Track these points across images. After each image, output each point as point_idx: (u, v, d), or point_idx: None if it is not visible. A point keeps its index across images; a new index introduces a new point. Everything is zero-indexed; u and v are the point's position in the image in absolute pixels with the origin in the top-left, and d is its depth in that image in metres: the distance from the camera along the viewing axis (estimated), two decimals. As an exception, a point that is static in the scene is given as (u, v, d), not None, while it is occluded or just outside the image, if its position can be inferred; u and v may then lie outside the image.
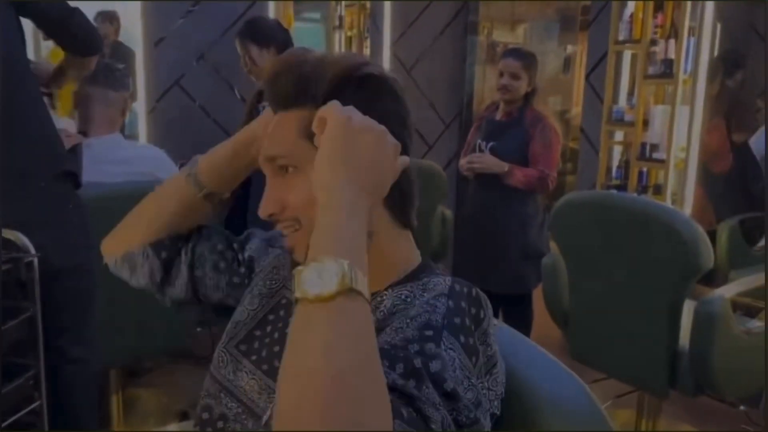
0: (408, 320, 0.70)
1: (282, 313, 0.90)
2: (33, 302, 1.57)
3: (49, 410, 1.73)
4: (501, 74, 2.57)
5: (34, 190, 1.62)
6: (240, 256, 1.01)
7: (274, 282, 0.94)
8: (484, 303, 0.75)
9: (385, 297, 0.78)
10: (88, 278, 1.79)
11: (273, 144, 0.80)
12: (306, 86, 0.78)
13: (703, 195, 3.26)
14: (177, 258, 0.99)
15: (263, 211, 0.80)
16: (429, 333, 0.68)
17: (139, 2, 3.09)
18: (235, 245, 1.02)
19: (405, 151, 0.76)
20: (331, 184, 0.66)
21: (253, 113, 2.71)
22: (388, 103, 0.79)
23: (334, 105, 0.70)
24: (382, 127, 0.70)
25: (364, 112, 0.71)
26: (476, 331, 0.72)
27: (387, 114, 0.76)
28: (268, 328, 0.89)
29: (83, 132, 2.09)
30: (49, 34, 1.78)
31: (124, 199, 1.88)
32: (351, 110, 0.70)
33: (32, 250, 1.55)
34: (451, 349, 0.67)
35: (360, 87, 0.77)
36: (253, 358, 0.88)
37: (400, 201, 0.80)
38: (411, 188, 0.81)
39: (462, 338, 0.69)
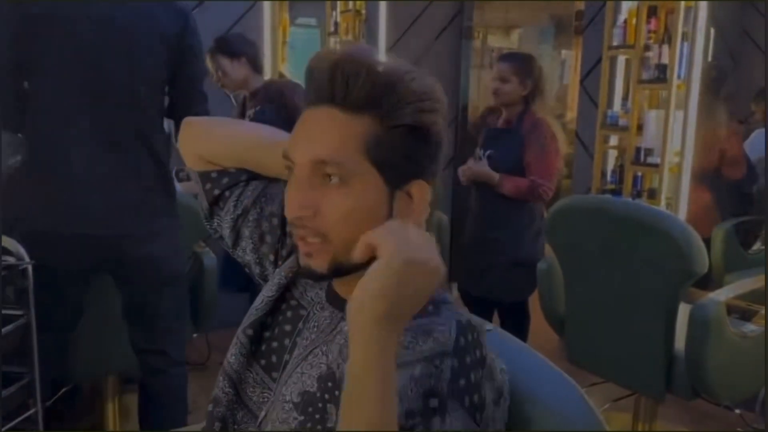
0: (412, 383, 0.68)
1: (289, 314, 0.89)
2: (27, 309, 1.56)
3: (149, 412, 1.96)
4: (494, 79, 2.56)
5: (159, 203, 1.77)
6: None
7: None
8: (485, 337, 0.74)
9: None
10: (185, 283, 1.96)
11: (326, 146, 0.74)
12: (381, 96, 0.73)
13: (710, 199, 3.25)
14: (226, 202, 0.96)
15: (293, 211, 0.74)
16: (434, 404, 0.67)
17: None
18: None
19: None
20: (370, 347, 0.62)
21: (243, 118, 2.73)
22: (440, 130, 0.77)
23: (389, 233, 0.65)
24: (437, 260, 0.66)
25: (420, 140, 0.74)
26: (482, 371, 0.71)
27: (438, 144, 0.77)
28: (274, 327, 0.89)
29: None
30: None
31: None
32: (406, 239, 0.64)
33: (26, 258, 1.55)
34: (456, 419, 0.67)
35: (425, 111, 0.75)
36: (253, 348, 0.88)
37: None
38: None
39: (467, 400, 0.69)
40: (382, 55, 0.76)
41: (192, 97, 1.80)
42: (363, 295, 0.62)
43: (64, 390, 2.11)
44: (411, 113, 0.74)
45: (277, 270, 0.93)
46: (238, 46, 2.62)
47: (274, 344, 0.87)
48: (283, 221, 0.92)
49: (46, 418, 1.65)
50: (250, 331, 0.88)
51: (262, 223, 0.94)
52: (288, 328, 0.87)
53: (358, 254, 0.66)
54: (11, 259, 1.54)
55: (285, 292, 0.90)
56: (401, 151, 0.75)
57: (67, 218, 1.64)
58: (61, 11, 1.60)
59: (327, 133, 0.74)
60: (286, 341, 0.86)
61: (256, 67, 2.65)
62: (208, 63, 2.57)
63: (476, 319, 0.76)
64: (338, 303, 0.82)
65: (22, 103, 1.62)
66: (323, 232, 0.74)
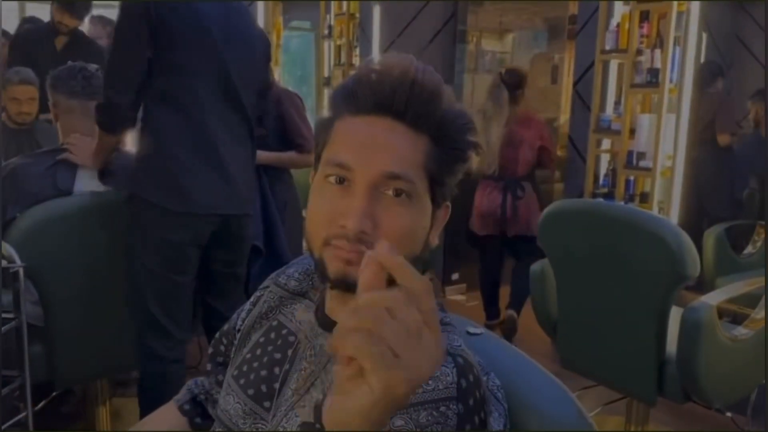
0: (418, 431, 0.67)
1: (272, 335, 0.87)
2: (19, 312, 1.56)
3: None
4: None
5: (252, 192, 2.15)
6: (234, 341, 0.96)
7: (272, 302, 0.91)
8: (484, 373, 0.74)
9: None
10: None
11: (399, 161, 0.71)
12: (440, 116, 0.74)
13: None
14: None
15: (360, 224, 0.69)
16: None
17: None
18: (224, 344, 0.99)
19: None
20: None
21: None
22: (471, 156, 0.79)
23: (381, 359, 0.47)
24: (431, 364, 0.49)
25: (463, 161, 0.76)
26: (485, 408, 0.72)
27: (465, 166, 0.78)
28: (258, 351, 0.86)
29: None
30: None
31: (118, 205, 1.89)
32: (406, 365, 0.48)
33: (18, 261, 1.55)
34: None
35: (473, 134, 0.77)
36: (241, 381, 0.85)
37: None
38: None
39: None
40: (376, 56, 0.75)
41: (266, 105, 2.20)
42: (342, 418, 0.51)
43: (55, 394, 2.09)
44: (463, 137, 0.76)
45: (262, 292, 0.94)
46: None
47: (263, 372, 0.84)
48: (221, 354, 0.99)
49: (37, 421, 1.65)
50: (234, 370, 0.88)
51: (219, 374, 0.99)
52: (278, 356, 0.84)
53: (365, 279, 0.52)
54: (3, 262, 1.54)
55: (268, 321, 0.89)
56: (449, 172, 0.76)
57: (214, 198, 1.89)
58: (202, 25, 1.83)
59: (399, 147, 0.72)
60: (276, 369, 0.83)
61: None
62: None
63: (469, 353, 0.74)
64: (332, 329, 0.80)
65: (157, 101, 1.83)
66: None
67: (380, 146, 0.71)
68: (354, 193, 0.71)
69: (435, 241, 0.79)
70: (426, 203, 0.75)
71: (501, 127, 3.31)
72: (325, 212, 0.73)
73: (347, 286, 0.71)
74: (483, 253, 3.65)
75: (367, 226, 0.70)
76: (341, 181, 0.72)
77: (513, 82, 3.34)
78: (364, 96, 0.73)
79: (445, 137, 0.74)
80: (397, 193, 0.71)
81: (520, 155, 3.34)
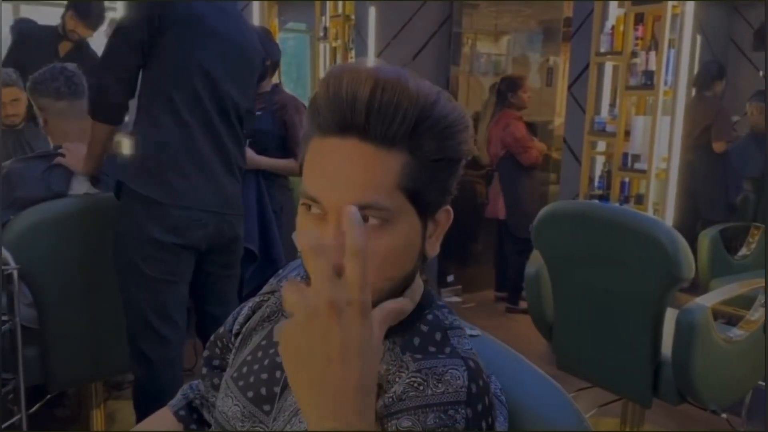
0: None
1: (275, 338, 0.87)
2: (13, 315, 1.55)
3: None
4: None
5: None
6: (230, 344, 0.95)
7: (275, 305, 0.90)
8: (488, 377, 0.73)
9: (395, 359, 0.72)
10: None
11: (367, 190, 0.67)
12: (415, 128, 0.68)
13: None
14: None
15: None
16: None
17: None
18: (220, 347, 0.99)
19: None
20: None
21: None
22: (460, 160, 0.74)
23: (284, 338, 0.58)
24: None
25: (452, 170, 0.72)
26: (492, 414, 0.71)
27: (459, 172, 0.75)
28: (259, 354, 0.86)
29: (59, 146, 2.07)
30: None
31: (113, 207, 1.89)
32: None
33: (12, 263, 1.54)
34: None
35: (460, 142, 0.71)
36: (241, 383, 0.84)
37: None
38: None
39: None
40: (371, 61, 0.74)
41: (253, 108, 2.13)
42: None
43: (49, 396, 2.08)
44: (446, 145, 0.70)
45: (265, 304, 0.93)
46: (262, 46, 2.59)
47: (264, 375, 0.82)
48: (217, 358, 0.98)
49: (32, 424, 1.64)
50: (234, 373, 0.87)
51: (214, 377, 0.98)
52: (279, 359, 0.80)
53: None
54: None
55: (270, 323, 0.88)
56: (436, 184, 0.71)
57: (202, 195, 1.88)
58: (204, 28, 1.85)
59: (366, 172, 0.67)
60: (277, 373, 0.81)
61: (271, 71, 2.62)
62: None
63: (478, 357, 0.74)
64: None
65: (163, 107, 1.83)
66: None
67: (345, 176, 0.67)
68: (328, 224, 0.68)
69: (434, 251, 0.76)
70: (408, 222, 0.71)
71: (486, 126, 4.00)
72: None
73: None
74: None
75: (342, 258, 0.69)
76: (310, 209, 0.71)
77: (502, 88, 3.94)
78: (326, 116, 0.69)
79: (421, 148, 0.69)
80: (367, 220, 0.67)
81: (490, 150, 3.97)
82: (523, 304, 3.99)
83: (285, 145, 2.58)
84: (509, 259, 4.03)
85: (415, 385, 0.68)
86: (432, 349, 0.73)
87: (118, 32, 1.82)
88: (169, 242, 1.84)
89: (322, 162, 0.70)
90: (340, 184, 0.68)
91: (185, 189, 1.84)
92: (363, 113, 0.66)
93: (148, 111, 1.84)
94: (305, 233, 0.70)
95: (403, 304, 0.68)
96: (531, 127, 4.01)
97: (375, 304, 0.62)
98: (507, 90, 3.90)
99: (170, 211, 1.82)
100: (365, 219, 0.66)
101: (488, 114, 4.00)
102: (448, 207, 0.76)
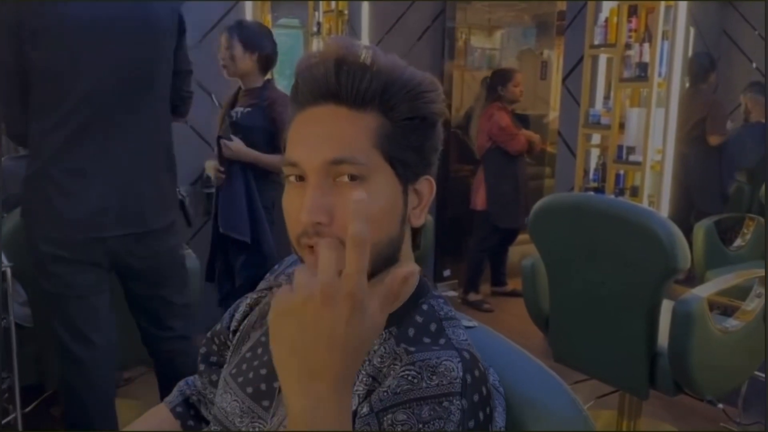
0: (420, 425, 0.65)
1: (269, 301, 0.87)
2: (7, 313, 1.54)
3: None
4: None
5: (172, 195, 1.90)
6: (228, 341, 0.95)
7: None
8: (486, 369, 0.73)
9: (387, 351, 0.73)
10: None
11: (341, 146, 0.70)
12: (385, 90, 0.71)
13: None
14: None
15: (310, 216, 0.69)
16: None
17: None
18: (217, 343, 0.98)
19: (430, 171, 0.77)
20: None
21: (225, 119, 2.71)
22: (438, 127, 0.76)
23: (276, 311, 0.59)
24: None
25: (427, 133, 0.73)
26: (490, 404, 0.71)
27: (441, 135, 0.77)
28: (259, 350, 0.85)
29: None
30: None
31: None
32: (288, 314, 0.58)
33: (5, 261, 1.53)
34: None
35: (429, 102, 0.73)
36: (240, 380, 0.84)
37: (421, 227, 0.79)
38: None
39: None
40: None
41: (184, 80, 1.91)
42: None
43: (45, 395, 2.08)
44: (417, 105, 0.72)
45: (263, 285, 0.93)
46: (257, 41, 2.54)
47: (263, 371, 0.82)
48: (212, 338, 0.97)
49: (28, 423, 1.63)
50: (232, 369, 0.86)
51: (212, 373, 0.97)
52: None
53: None
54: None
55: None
56: (411, 145, 0.73)
57: (98, 218, 1.67)
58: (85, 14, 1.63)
59: (340, 131, 0.71)
60: None
61: (265, 66, 2.58)
62: (223, 39, 2.53)
63: (474, 349, 0.74)
64: None
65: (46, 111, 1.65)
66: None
67: (321, 136, 0.71)
68: (304, 189, 0.71)
69: (419, 221, 0.77)
70: (386, 182, 0.72)
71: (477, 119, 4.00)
72: (291, 211, 0.73)
73: None
74: None
75: (321, 218, 0.69)
76: (300, 179, 0.73)
77: (492, 82, 3.93)
78: (302, 88, 0.73)
79: (393, 109, 0.72)
80: (352, 178, 0.70)
81: (478, 143, 3.95)
82: (510, 287, 4.13)
83: (273, 141, 2.57)
84: (489, 250, 4.05)
85: (410, 378, 0.68)
86: (426, 340, 0.72)
87: None
88: (71, 259, 1.70)
89: (302, 129, 0.73)
90: (316, 144, 0.70)
91: (75, 216, 1.67)
92: (333, 77, 0.70)
93: (30, 130, 1.72)
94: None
95: (413, 269, 0.62)
96: (522, 118, 3.99)
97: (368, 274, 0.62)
98: (497, 83, 3.88)
99: (64, 240, 1.71)
100: (342, 177, 0.69)
101: (479, 108, 3.99)
102: (430, 177, 0.77)
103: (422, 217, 0.77)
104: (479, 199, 3.94)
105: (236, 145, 2.49)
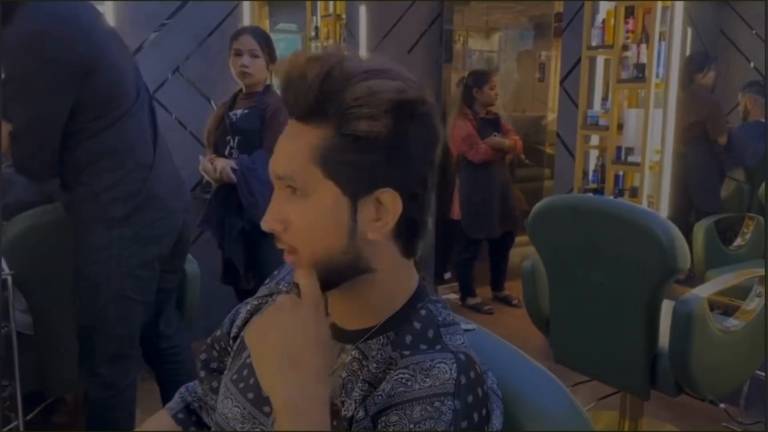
0: (411, 425, 0.66)
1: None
2: (8, 321, 1.54)
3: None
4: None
5: None
6: (229, 347, 0.95)
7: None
8: (484, 372, 0.73)
9: (382, 348, 0.74)
10: None
11: (282, 160, 0.73)
12: (324, 102, 0.69)
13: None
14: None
15: (265, 225, 0.74)
16: None
17: (112, 15, 3.07)
18: (217, 350, 0.98)
19: (425, 185, 0.74)
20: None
21: (224, 119, 2.70)
22: (414, 130, 0.72)
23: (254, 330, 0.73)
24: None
25: (366, 148, 0.69)
26: (486, 404, 0.71)
27: (411, 143, 0.72)
28: None
29: None
30: None
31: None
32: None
33: (6, 269, 1.53)
34: None
35: (361, 118, 0.69)
36: (241, 385, 0.84)
37: (408, 234, 0.75)
38: (422, 219, 0.76)
39: None
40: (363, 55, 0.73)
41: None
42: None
43: (46, 402, 2.08)
44: (348, 120, 0.69)
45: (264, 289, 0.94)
46: (275, 52, 2.62)
47: None
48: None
49: (29, 430, 1.63)
50: (234, 375, 0.87)
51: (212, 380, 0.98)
52: None
53: None
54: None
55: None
56: (350, 161, 0.70)
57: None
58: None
59: (286, 147, 0.74)
60: None
61: (270, 74, 2.63)
62: (246, 42, 2.55)
63: (471, 351, 0.74)
64: (335, 333, 0.78)
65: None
66: (294, 246, 0.74)
67: (278, 150, 0.75)
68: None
69: (375, 234, 0.72)
70: (327, 197, 0.71)
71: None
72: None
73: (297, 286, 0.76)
74: None
75: (275, 226, 0.74)
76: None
77: (468, 83, 3.88)
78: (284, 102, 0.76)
79: (328, 121, 0.70)
80: (293, 190, 0.73)
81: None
82: (505, 291, 4.06)
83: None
84: (472, 258, 3.94)
85: (403, 380, 0.69)
86: (423, 346, 0.73)
87: (32, 100, 1.68)
88: (149, 258, 1.82)
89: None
90: (274, 158, 0.75)
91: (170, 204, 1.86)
92: (293, 92, 0.72)
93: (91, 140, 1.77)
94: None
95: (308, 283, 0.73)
96: (493, 122, 3.85)
97: (322, 278, 0.73)
98: (473, 85, 3.81)
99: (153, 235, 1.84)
100: (290, 188, 0.73)
101: (455, 112, 3.91)
102: (390, 190, 0.71)
103: (383, 231, 0.73)
104: (455, 209, 3.93)
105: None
